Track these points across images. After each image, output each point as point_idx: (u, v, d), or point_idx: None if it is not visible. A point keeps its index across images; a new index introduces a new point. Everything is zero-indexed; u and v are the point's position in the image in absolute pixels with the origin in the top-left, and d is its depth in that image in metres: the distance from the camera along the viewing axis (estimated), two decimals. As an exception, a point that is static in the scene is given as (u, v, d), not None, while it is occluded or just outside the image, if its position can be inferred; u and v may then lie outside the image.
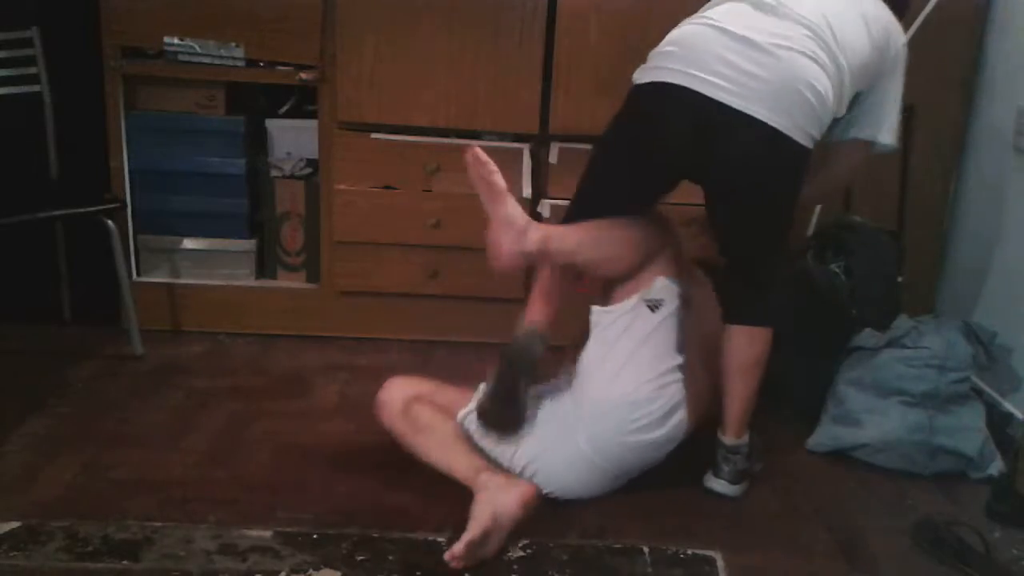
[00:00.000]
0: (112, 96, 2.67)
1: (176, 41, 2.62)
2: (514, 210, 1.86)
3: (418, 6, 2.61)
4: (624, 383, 1.93)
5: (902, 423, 2.22)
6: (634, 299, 1.97)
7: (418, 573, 1.73)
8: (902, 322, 2.33)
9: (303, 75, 2.66)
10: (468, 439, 2.00)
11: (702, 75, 1.82)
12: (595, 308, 1.99)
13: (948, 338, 2.26)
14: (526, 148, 2.71)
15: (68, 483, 1.96)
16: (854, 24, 1.90)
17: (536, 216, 2.68)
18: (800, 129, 1.83)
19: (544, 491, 1.94)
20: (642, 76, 1.94)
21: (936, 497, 2.15)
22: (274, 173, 2.82)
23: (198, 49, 2.63)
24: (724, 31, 1.84)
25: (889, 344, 2.30)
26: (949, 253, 2.81)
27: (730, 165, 1.87)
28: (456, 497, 1.97)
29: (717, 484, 2.05)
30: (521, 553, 1.80)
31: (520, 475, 1.96)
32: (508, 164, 2.71)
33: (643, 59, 1.99)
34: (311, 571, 1.71)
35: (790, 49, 1.82)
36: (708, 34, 1.85)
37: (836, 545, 1.93)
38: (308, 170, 2.83)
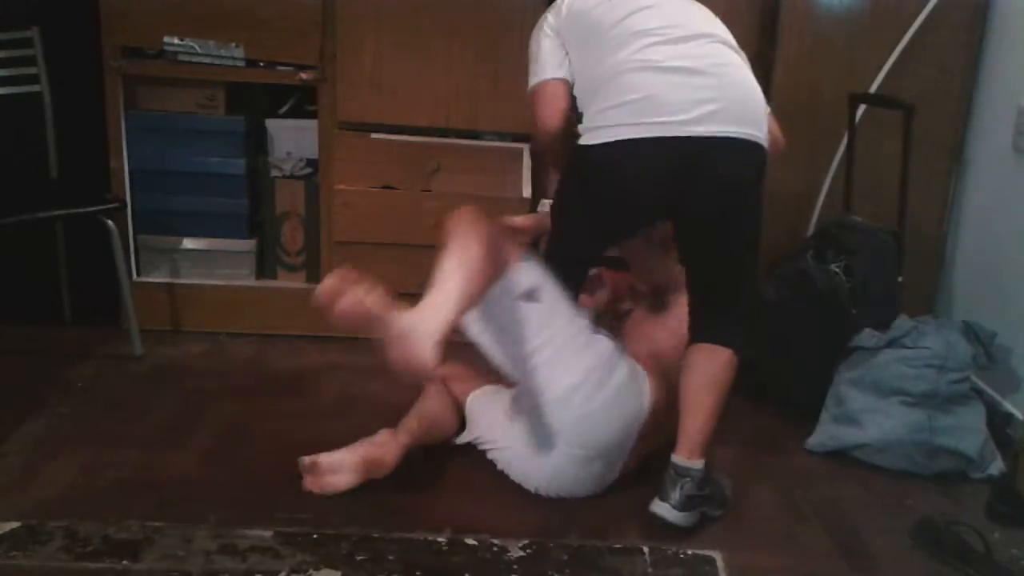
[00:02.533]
0: (112, 96, 2.67)
1: (176, 41, 2.62)
2: (407, 319, 1.72)
3: (418, 6, 2.61)
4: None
5: (902, 423, 2.22)
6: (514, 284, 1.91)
7: (418, 573, 1.73)
8: (902, 322, 2.33)
9: (303, 75, 2.66)
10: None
11: (663, 119, 1.78)
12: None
13: (948, 338, 2.26)
14: (526, 148, 2.71)
15: (68, 483, 1.96)
16: (719, 24, 1.94)
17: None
18: (765, 135, 1.85)
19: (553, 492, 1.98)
20: (596, 137, 1.86)
21: (936, 497, 2.15)
22: (274, 173, 2.83)
23: (198, 49, 2.63)
24: (662, 68, 1.80)
25: (889, 344, 2.30)
26: (949, 253, 2.81)
27: (718, 192, 1.84)
28: (456, 497, 1.98)
29: (660, 508, 1.87)
30: (521, 553, 1.80)
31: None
32: (508, 164, 2.71)
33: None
34: (311, 571, 1.70)
35: (724, 64, 1.83)
36: (648, 79, 1.80)
37: (836, 545, 1.93)
38: (308, 170, 2.83)
